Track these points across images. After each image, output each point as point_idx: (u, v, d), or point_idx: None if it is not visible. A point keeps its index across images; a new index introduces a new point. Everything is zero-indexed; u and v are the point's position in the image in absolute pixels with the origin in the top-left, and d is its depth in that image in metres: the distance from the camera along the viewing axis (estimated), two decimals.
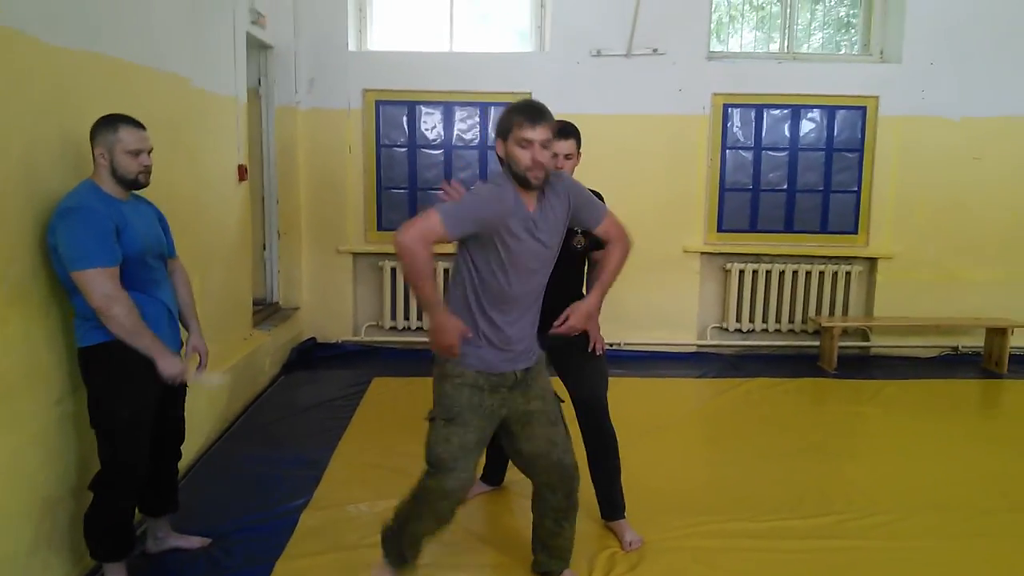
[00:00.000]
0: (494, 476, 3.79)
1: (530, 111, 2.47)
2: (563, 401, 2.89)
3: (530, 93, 6.21)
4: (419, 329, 6.48)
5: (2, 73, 2.48)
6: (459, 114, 6.32)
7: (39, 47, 2.69)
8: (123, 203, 2.77)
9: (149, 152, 2.81)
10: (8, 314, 2.50)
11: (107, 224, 2.63)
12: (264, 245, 6.03)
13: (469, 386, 2.61)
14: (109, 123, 2.74)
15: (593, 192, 2.85)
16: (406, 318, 6.47)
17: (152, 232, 2.91)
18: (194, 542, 3.24)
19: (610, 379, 3.34)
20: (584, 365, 3.25)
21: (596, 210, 2.72)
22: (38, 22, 2.67)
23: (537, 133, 2.43)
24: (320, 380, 5.66)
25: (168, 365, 2.78)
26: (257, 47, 5.69)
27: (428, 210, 2.44)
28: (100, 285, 2.58)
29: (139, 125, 2.79)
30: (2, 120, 2.48)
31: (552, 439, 2.74)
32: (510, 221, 2.48)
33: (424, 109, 6.30)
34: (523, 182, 2.48)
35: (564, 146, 3.02)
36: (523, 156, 2.45)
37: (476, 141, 6.34)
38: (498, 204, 2.47)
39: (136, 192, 2.87)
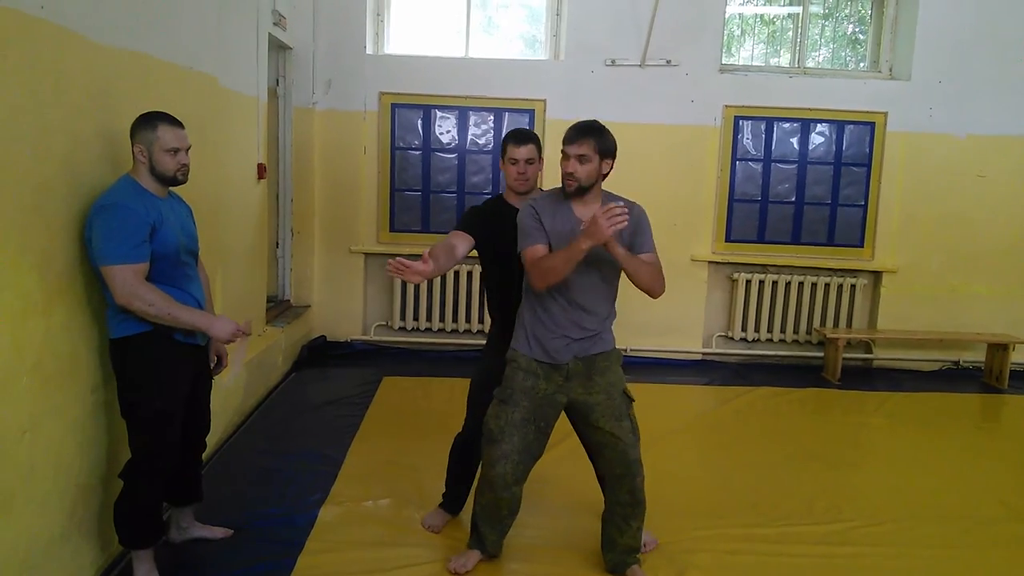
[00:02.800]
0: (452, 504, 3.56)
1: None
2: (633, 400, 2.99)
3: (544, 100, 6.32)
4: (428, 330, 6.56)
5: (50, 70, 2.54)
6: (473, 119, 6.40)
7: (84, 44, 2.74)
8: (161, 200, 2.82)
9: (187, 150, 2.86)
10: (53, 305, 2.56)
11: (141, 222, 2.68)
12: (277, 243, 6.08)
13: (523, 371, 2.94)
14: (148, 121, 2.79)
15: None
16: (415, 319, 6.53)
17: (187, 230, 2.97)
18: (217, 532, 3.30)
19: None
20: None
21: (647, 244, 2.96)
22: (83, 20, 2.73)
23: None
24: (331, 378, 5.72)
25: (220, 329, 2.85)
26: (277, 48, 5.75)
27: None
28: (123, 282, 2.63)
29: (178, 123, 2.84)
30: (47, 116, 2.54)
31: (616, 433, 2.92)
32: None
33: (439, 113, 6.38)
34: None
35: (523, 151, 3.10)
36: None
37: (490, 146, 6.41)
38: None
39: (171, 189, 2.93)
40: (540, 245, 2.85)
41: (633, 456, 2.95)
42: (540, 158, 3.18)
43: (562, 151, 2.84)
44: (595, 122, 2.87)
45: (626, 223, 2.66)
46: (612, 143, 2.85)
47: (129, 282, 2.64)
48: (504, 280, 3.18)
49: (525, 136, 3.12)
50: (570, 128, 2.87)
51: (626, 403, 2.96)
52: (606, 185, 2.97)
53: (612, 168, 2.88)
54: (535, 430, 2.96)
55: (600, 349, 2.96)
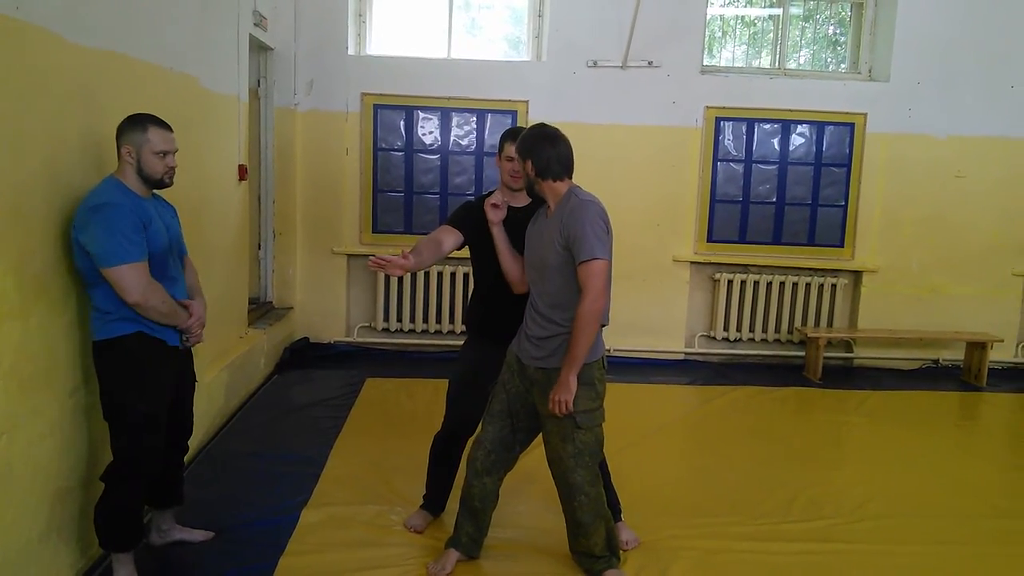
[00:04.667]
0: (434, 505, 3.57)
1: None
2: (581, 428, 2.88)
3: (527, 101, 6.32)
4: (411, 331, 6.55)
5: (28, 70, 2.52)
6: (456, 120, 6.39)
7: (63, 45, 2.73)
8: (146, 201, 2.81)
9: (174, 153, 2.85)
10: (31, 307, 2.54)
11: (135, 220, 2.68)
12: (259, 244, 6.06)
13: (506, 364, 3.07)
14: (138, 122, 2.78)
15: None
16: (398, 320, 6.52)
17: (173, 230, 2.96)
18: (198, 535, 3.28)
19: None
20: None
21: (580, 248, 2.75)
22: (62, 21, 2.71)
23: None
24: (313, 380, 5.70)
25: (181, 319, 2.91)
26: (258, 48, 5.73)
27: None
28: (135, 280, 2.63)
29: (167, 126, 2.83)
30: (27, 117, 2.52)
31: (560, 454, 2.93)
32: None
33: (422, 114, 6.37)
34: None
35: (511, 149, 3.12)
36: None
37: (472, 147, 6.41)
38: None
39: (155, 190, 2.91)
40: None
41: (575, 480, 2.91)
42: None
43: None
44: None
45: (495, 211, 3.01)
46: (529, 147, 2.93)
47: (143, 280, 2.66)
48: (492, 277, 3.18)
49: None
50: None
51: (572, 426, 2.85)
52: (587, 185, 2.97)
53: (533, 168, 2.89)
54: (510, 424, 3.03)
55: (557, 366, 2.84)
